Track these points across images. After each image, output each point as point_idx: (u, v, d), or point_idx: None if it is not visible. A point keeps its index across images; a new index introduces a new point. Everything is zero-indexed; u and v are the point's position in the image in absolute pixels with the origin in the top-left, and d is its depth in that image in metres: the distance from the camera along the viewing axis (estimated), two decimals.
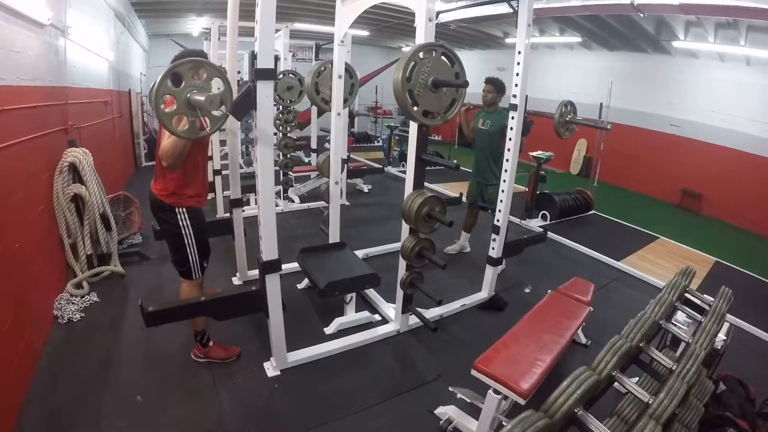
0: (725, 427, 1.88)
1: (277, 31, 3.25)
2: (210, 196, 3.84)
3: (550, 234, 4.34)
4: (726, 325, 2.24)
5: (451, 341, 2.82)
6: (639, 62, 8.09)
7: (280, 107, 4.66)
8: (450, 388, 2.27)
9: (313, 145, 6.39)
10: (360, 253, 3.74)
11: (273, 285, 2.16)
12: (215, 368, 2.38)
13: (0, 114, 2.12)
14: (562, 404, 1.21)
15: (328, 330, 2.80)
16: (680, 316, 2.08)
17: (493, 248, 3.17)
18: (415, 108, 1.97)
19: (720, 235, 6.28)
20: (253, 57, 1.92)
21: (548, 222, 5.38)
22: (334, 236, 3.16)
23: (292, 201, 5.48)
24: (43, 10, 2.75)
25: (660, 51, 7.60)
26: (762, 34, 5.73)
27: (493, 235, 3.15)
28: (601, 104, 6.18)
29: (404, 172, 2.63)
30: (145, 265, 3.60)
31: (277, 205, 3.77)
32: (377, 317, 2.99)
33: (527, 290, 3.57)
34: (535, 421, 1.13)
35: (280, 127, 4.80)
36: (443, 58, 2.00)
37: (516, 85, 2.81)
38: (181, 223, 2.14)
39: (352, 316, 2.88)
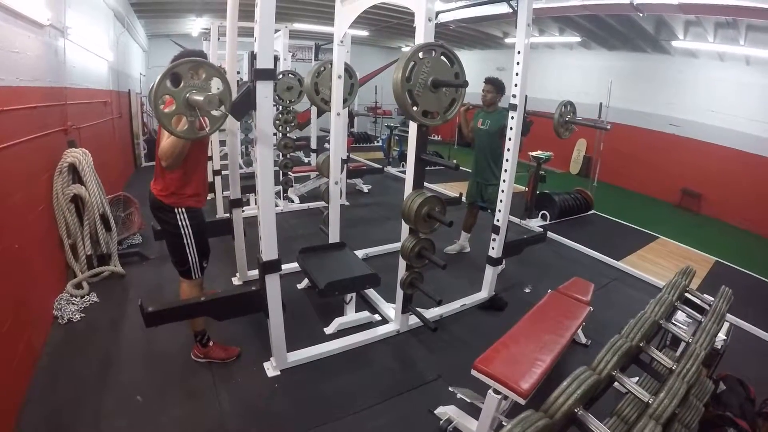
0: (725, 426, 1.88)
1: (276, 31, 3.25)
2: (210, 196, 3.85)
3: (549, 234, 4.34)
4: (726, 325, 2.24)
5: (451, 341, 2.82)
6: (638, 62, 8.10)
7: (280, 107, 4.66)
8: (450, 388, 2.27)
9: (313, 145, 6.39)
10: (360, 253, 3.74)
11: (273, 285, 2.16)
12: (215, 368, 2.38)
13: (0, 114, 2.12)
14: (562, 404, 1.21)
15: (328, 330, 2.80)
16: (680, 315, 2.08)
17: (493, 248, 3.17)
18: (415, 108, 1.97)
19: (720, 234, 6.29)
20: (253, 57, 1.92)
21: (548, 222, 5.38)
22: (333, 236, 3.16)
23: (292, 201, 5.48)
24: (43, 11, 2.75)
25: (659, 51, 7.60)
26: (761, 34, 5.73)
27: (493, 235, 3.15)
28: (601, 104, 6.18)
29: (404, 172, 2.63)
30: (145, 266, 3.60)
31: (276, 206, 3.76)
32: (377, 317, 2.99)
33: (527, 290, 3.57)
34: (535, 421, 1.13)
35: (280, 128, 4.80)
36: (443, 58, 2.00)
37: (515, 85, 2.81)
38: (180, 223, 2.14)
39: (352, 316, 2.88)
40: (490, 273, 3.26)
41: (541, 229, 4.04)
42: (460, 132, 4.12)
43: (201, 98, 1.58)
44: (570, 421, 1.25)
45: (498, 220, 3.11)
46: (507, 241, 3.19)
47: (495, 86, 3.70)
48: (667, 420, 1.30)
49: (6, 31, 2.24)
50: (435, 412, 2.12)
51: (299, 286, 3.34)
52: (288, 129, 4.85)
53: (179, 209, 2.13)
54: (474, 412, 2.01)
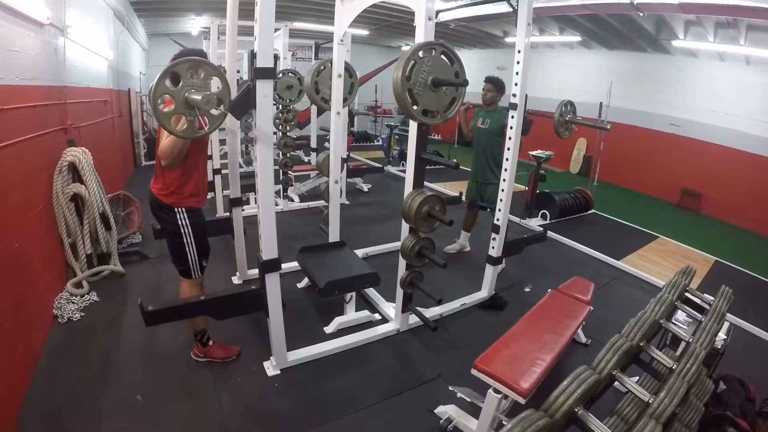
0: (725, 426, 1.88)
1: (276, 30, 3.24)
2: (210, 195, 3.84)
3: (550, 233, 4.34)
4: (726, 325, 2.24)
5: (451, 340, 2.82)
6: (639, 61, 8.10)
7: (280, 106, 4.65)
8: (450, 388, 2.27)
9: (313, 144, 6.39)
10: (360, 253, 3.74)
11: (273, 284, 2.16)
12: (215, 368, 2.38)
13: (0, 113, 2.12)
14: (562, 403, 1.21)
15: (328, 329, 2.80)
16: (680, 315, 2.08)
17: (493, 247, 3.17)
18: (415, 107, 1.96)
19: (720, 234, 6.29)
20: (253, 56, 1.92)
21: (548, 221, 5.37)
22: (333, 235, 3.16)
23: (292, 200, 5.48)
24: (42, 10, 2.74)
25: (660, 50, 7.59)
26: (762, 34, 5.73)
27: (493, 235, 3.15)
28: (601, 103, 6.19)
29: (404, 171, 2.63)
30: (145, 265, 3.59)
31: (276, 204, 3.76)
32: (377, 316, 2.98)
33: (527, 289, 3.57)
34: (535, 420, 1.13)
35: (280, 127, 4.79)
36: (443, 57, 1.99)
37: (516, 84, 2.81)
38: (180, 223, 2.14)
39: (352, 315, 2.88)
40: (490, 272, 3.26)
41: (541, 229, 4.04)
42: (460, 131, 4.12)
43: (199, 97, 1.58)
44: (570, 420, 1.25)
45: (498, 220, 3.11)
46: (507, 241, 3.18)
47: (495, 85, 3.70)
48: (667, 419, 1.30)
49: (6, 29, 2.24)
50: (435, 411, 2.12)
51: (299, 285, 3.34)
52: (288, 128, 4.85)
53: (179, 209, 2.13)
54: (474, 411, 2.01)
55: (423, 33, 2.09)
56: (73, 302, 2.83)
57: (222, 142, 5.13)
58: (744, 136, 6.69)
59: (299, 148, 7.14)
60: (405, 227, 2.48)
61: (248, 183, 3.05)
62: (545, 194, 5.58)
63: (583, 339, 2.80)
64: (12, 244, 2.14)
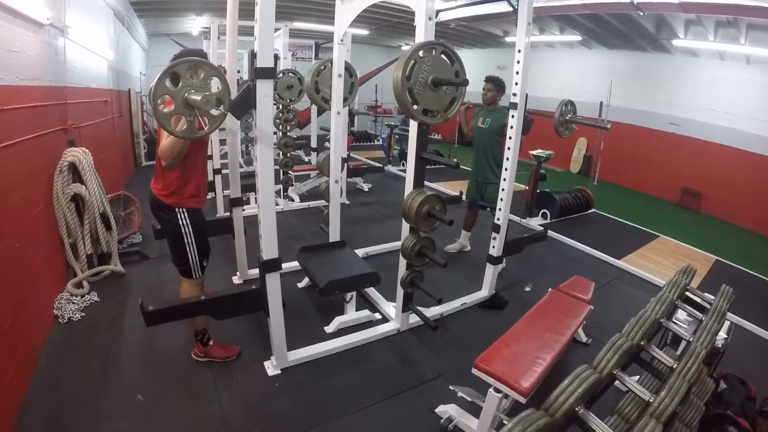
0: (726, 425, 1.87)
1: (276, 30, 3.24)
2: (210, 195, 3.84)
3: (550, 233, 4.34)
4: (727, 324, 2.24)
5: (451, 340, 2.82)
6: (639, 61, 8.09)
7: (280, 106, 4.65)
8: (450, 387, 2.27)
9: (313, 144, 6.39)
10: (360, 252, 3.74)
11: (273, 284, 2.16)
12: (216, 367, 2.38)
13: (0, 114, 2.12)
14: (563, 403, 1.21)
15: (329, 329, 2.80)
16: (681, 314, 2.08)
17: (493, 247, 3.16)
18: (415, 106, 1.96)
19: (720, 233, 6.29)
20: (253, 56, 1.92)
21: (548, 221, 5.37)
22: (334, 235, 3.16)
23: (292, 200, 5.48)
24: (42, 10, 2.74)
25: (660, 49, 7.59)
26: (762, 33, 5.73)
27: (494, 234, 3.15)
28: (601, 103, 6.19)
29: (404, 170, 2.63)
30: (146, 265, 3.60)
31: (277, 204, 3.76)
32: (378, 316, 2.98)
33: (528, 289, 3.57)
34: (536, 419, 1.13)
35: (280, 126, 4.79)
36: (443, 56, 1.99)
37: (516, 84, 2.81)
38: (180, 222, 2.14)
39: (352, 314, 2.88)
40: (490, 272, 3.26)
41: (542, 228, 4.04)
42: (461, 131, 4.12)
43: (199, 98, 1.58)
44: (571, 419, 1.25)
45: (498, 219, 3.10)
46: (507, 240, 3.18)
47: (495, 85, 3.70)
48: (668, 418, 1.30)
49: (6, 30, 2.24)
50: (435, 410, 2.12)
51: (299, 285, 3.34)
52: (288, 128, 4.85)
53: (179, 209, 2.13)
54: (475, 410, 2.01)
55: (423, 32, 2.09)
56: (73, 302, 2.83)
57: (222, 142, 5.13)
58: (744, 136, 6.69)
59: (299, 148, 7.14)
60: (405, 227, 2.48)
61: (248, 183, 3.06)
62: (546, 194, 5.58)
63: (584, 338, 2.79)
64: (12, 244, 2.14)
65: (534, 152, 5.29)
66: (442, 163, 2.35)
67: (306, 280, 3.33)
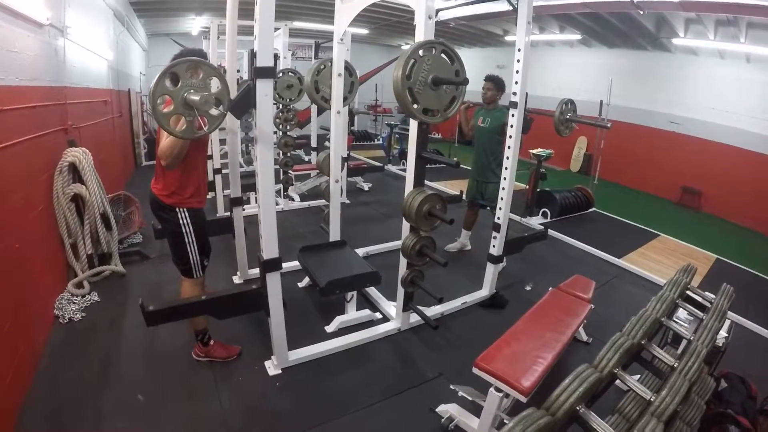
0: (727, 424, 1.87)
1: (276, 29, 3.24)
2: (210, 195, 3.85)
3: (550, 232, 4.34)
4: (727, 323, 2.24)
5: (452, 339, 2.82)
6: (639, 60, 8.08)
7: (280, 106, 4.65)
8: (451, 386, 2.27)
9: (313, 143, 6.39)
10: (360, 252, 3.74)
11: (274, 283, 2.16)
12: (216, 367, 2.38)
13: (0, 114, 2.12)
14: (563, 402, 1.21)
15: (329, 328, 2.80)
16: (681, 313, 2.08)
17: (493, 246, 3.16)
18: (415, 106, 1.96)
19: (720, 232, 6.28)
20: (253, 55, 1.91)
21: (549, 220, 5.37)
22: (334, 234, 3.16)
23: (293, 199, 5.48)
24: (42, 10, 2.74)
25: (660, 48, 7.58)
26: (762, 31, 5.72)
27: (494, 233, 3.14)
28: (601, 102, 6.18)
29: (404, 170, 2.63)
30: (146, 265, 3.60)
31: (277, 204, 3.76)
32: (378, 315, 2.98)
33: (528, 288, 3.57)
34: (536, 419, 1.13)
35: (280, 126, 4.79)
36: (443, 55, 1.99)
37: (516, 83, 2.80)
38: (181, 222, 2.14)
39: (352, 314, 2.88)
40: (491, 271, 3.26)
41: (542, 227, 4.04)
42: (461, 130, 4.12)
43: (198, 98, 1.58)
44: (572, 419, 1.25)
45: (499, 218, 3.10)
46: (508, 239, 3.18)
47: (495, 84, 3.69)
48: (669, 417, 1.30)
49: (5, 30, 2.23)
50: (436, 410, 2.12)
51: (300, 285, 3.34)
52: (288, 127, 4.85)
53: (180, 209, 2.13)
54: (475, 410, 2.01)
55: (423, 32, 2.09)
56: (74, 302, 2.83)
57: (222, 141, 5.13)
58: (744, 134, 6.68)
59: (299, 148, 7.13)
60: (406, 226, 2.48)
61: (249, 182, 3.06)
62: (546, 192, 5.58)
63: (585, 337, 2.79)
64: (13, 244, 2.14)
65: (534, 151, 5.29)
66: (442, 162, 2.35)
67: (306, 280, 3.32)
